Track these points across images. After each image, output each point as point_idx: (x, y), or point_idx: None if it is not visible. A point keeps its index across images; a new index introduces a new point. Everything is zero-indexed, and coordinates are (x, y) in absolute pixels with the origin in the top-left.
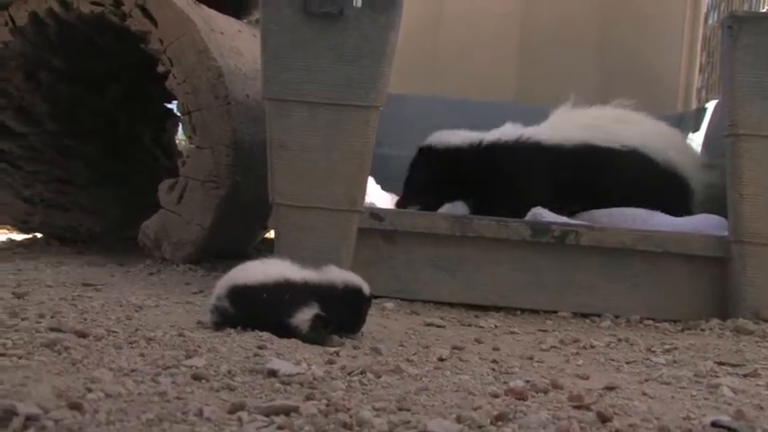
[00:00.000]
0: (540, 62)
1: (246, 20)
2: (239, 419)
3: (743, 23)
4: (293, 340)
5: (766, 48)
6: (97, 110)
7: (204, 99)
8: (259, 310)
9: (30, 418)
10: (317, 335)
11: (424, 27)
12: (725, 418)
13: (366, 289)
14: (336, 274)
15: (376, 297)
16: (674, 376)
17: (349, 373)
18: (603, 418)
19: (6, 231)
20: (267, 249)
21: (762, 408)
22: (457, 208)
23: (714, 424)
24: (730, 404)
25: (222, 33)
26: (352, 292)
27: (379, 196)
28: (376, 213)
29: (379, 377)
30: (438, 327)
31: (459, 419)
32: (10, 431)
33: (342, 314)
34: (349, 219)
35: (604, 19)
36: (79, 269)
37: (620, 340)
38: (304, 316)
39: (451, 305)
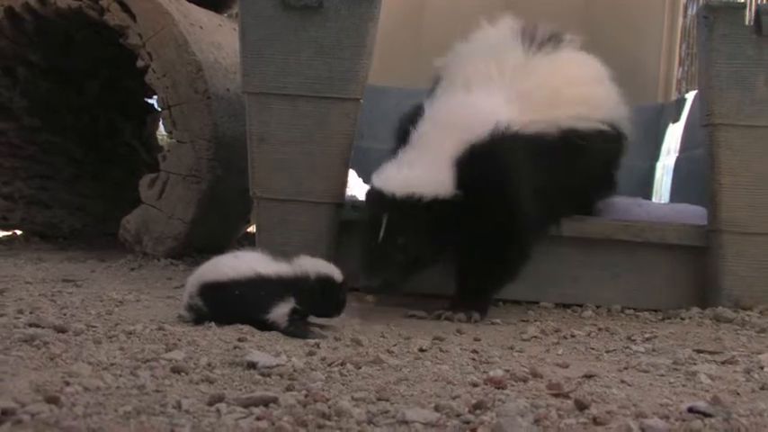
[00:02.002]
0: None
1: (226, 14)
2: (218, 411)
3: (718, 14)
4: (274, 333)
5: (742, 38)
6: (76, 105)
7: (184, 93)
8: (233, 308)
9: (5, 413)
10: (296, 329)
11: (406, 19)
12: (701, 404)
13: (338, 275)
14: (308, 264)
15: (359, 290)
16: (653, 364)
17: (329, 365)
18: (581, 406)
19: None
20: (250, 243)
21: (738, 394)
22: None
23: (691, 410)
24: (707, 390)
25: (201, 27)
26: (326, 281)
27: (360, 189)
28: (358, 206)
29: (360, 368)
30: (420, 318)
31: (437, 408)
32: None
33: (318, 303)
34: (331, 212)
35: (586, 10)
36: (59, 265)
37: (600, 330)
38: (281, 311)
39: (434, 297)
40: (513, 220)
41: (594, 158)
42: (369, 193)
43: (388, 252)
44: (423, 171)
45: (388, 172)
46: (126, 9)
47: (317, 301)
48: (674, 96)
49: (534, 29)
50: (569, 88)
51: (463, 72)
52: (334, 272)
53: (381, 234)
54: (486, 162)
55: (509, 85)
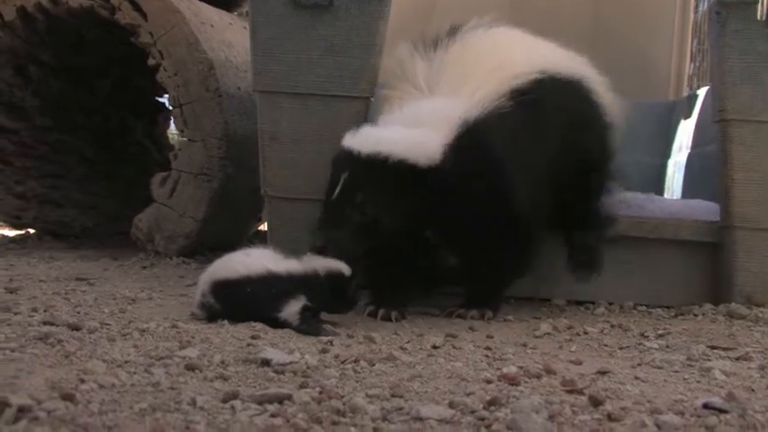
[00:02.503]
0: None
1: (237, 12)
2: (232, 408)
3: (731, 9)
4: (287, 330)
5: (754, 33)
6: (88, 104)
7: (195, 92)
8: (245, 305)
9: (22, 410)
10: (309, 326)
11: (416, 17)
12: (716, 400)
13: (347, 270)
14: (317, 261)
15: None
16: (667, 360)
17: (342, 362)
18: (596, 402)
19: None
20: (261, 241)
21: (753, 390)
22: None
23: (706, 406)
24: (722, 387)
25: (212, 26)
26: (335, 277)
27: None
28: None
29: (373, 365)
30: (432, 315)
31: (451, 405)
32: (3, 422)
33: (328, 300)
34: None
35: (595, 7)
36: (72, 264)
37: (613, 326)
38: (292, 309)
39: (445, 294)
40: (512, 206)
41: (563, 119)
42: (337, 154)
43: (344, 211)
44: (399, 133)
45: (361, 132)
46: (137, 8)
47: (327, 297)
48: (685, 93)
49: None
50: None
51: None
52: (343, 267)
53: (338, 190)
54: (481, 138)
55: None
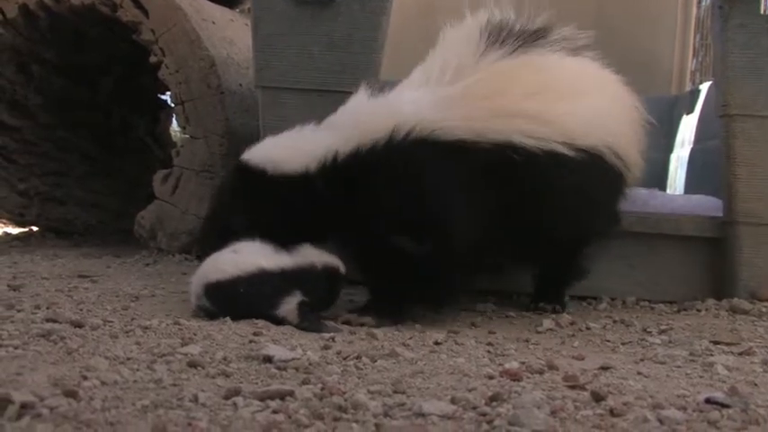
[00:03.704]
0: None
1: (238, 9)
2: (234, 404)
3: (734, 4)
4: (289, 327)
5: (757, 28)
6: (90, 102)
7: (197, 89)
8: (241, 305)
9: (25, 406)
10: (310, 323)
11: (418, 13)
12: (719, 395)
13: (342, 267)
14: (312, 255)
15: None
16: (670, 355)
17: (345, 358)
18: (598, 398)
19: (2, 225)
20: None
21: (756, 384)
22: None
23: (708, 401)
24: (724, 382)
25: (214, 23)
26: (331, 273)
27: None
28: None
29: (375, 361)
30: (435, 312)
31: (453, 401)
32: (6, 419)
33: (320, 295)
34: None
35: (598, 3)
36: (75, 261)
37: (615, 322)
38: (289, 306)
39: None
40: (396, 231)
41: (561, 192)
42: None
43: (222, 219)
44: (288, 150)
45: (259, 145)
46: (138, 5)
47: (319, 292)
48: (687, 87)
49: (511, 25)
50: (518, 96)
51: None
52: (339, 264)
53: (218, 200)
54: (367, 160)
55: (442, 87)
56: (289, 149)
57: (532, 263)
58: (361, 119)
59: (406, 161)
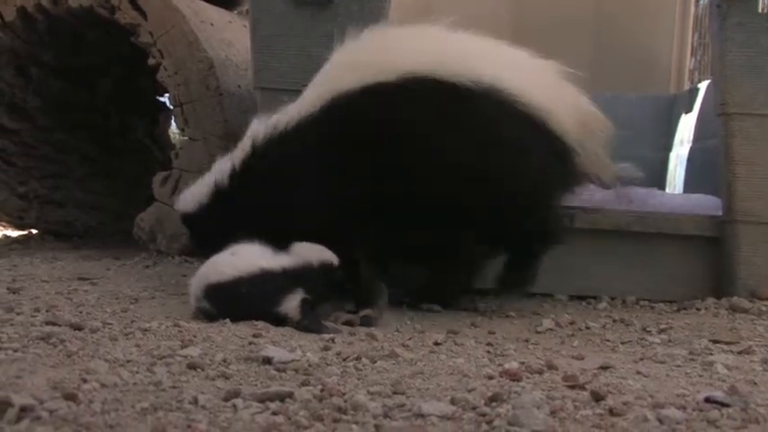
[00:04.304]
0: (534, 44)
1: (236, 11)
2: (234, 406)
3: (732, 2)
4: (289, 328)
5: (756, 26)
6: (89, 104)
7: (195, 91)
8: (242, 305)
9: (25, 409)
10: (311, 322)
11: (416, 12)
12: (718, 394)
13: (336, 260)
14: (307, 252)
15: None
16: (669, 355)
17: (344, 359)
18: (597, 397)
19: (1, 228)
20: None
21: (755, 383)
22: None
23: (708, 400)
24: (724, 380)
25: (212, 24)
26: (327, 267)
27: None
28: None
29: (375, 362)
30: (434, 312)
31: (453, 401)
32: (5, 422)
33: (320, 291)
34: None
35: (597, 1)
36: (74, 264)
37: (615, 321)
38: (291, 303)
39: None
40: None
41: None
42: None
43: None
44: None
45: None
46: (137, 7)
47: (319, 287)
48: (686, 86)
49: None
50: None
51: None
52: (333, 258)
53: None
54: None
55: None
56: None
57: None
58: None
59: None
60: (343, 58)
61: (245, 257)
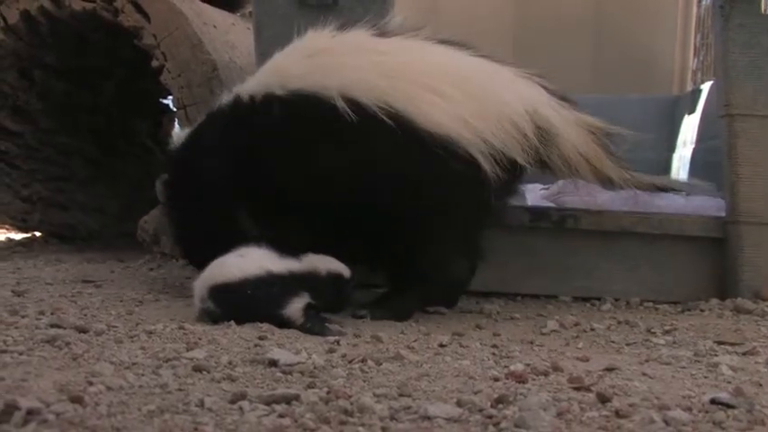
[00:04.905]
0: (535, 45)
1: (239, 13)
2: (240, 409)
3: (735, 3)
4: (294, 331)
5: (758, 27)
6: (92, 106)
7: (199, 93)
8: (247, 307)
9: (31, 412)
10: (314, 325)
11: (419, 15)
12: (724, 396)
13: (346, 272)
14: (316, 261)
15: (373, 286)
16: (674, 356)
17: (350, 361)
18: (603, 399)
19: (5, 231)
20: None
21: (760, 385)
22: None
23: (713, 401)
24: (729, 382)
25: (215, 27)
26: (336, 277)
27: None
28: None
29: (380, 364)
30: (439, 314)
31: (459, 403)
32: (12, 425)
33: (329, 300)
34: None
35: (598, 2)
36: (79, 266)
37: (620, 323)
38: (296, 306)
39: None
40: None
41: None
42: None
43: None
44: None
45: None
46: (140, 10)
47: (326, 296)
48: (689, 87)
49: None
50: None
51: None
52: (343, 269)
53: None
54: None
55: None
56: None
57: None
58: None
59: None
60: (271, 61)
61: (253, 259)
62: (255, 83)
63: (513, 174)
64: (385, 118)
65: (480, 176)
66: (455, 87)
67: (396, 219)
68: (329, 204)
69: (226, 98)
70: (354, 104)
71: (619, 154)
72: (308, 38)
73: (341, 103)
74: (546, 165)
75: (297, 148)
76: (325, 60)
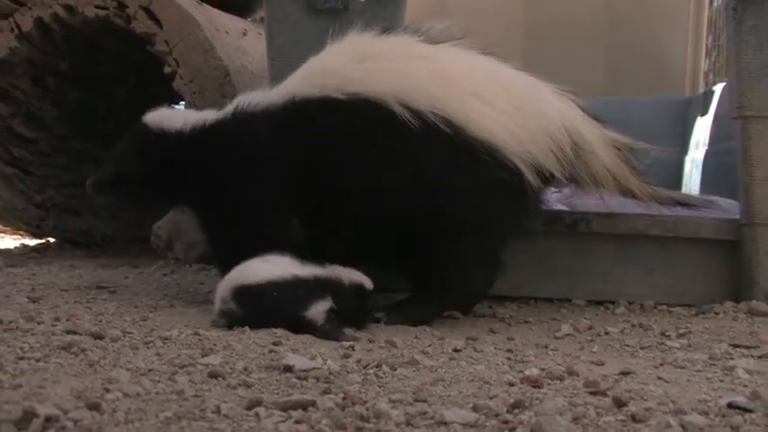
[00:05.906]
0: (546, 46)
1: (251, 19)
2: (257, 415)
3: (747, 5)
4: (308, 336)
5: None
6: (105, 113)
7: (211, 99)
8: (270, 309)
9: (49, 419)
10: (332, 328)
11: (429, 16)
12: (740, 400)
13: (368, 283)
14: (339, 271)
15: (391, 291)
16: (689, 360)
17: (365, 367)
18: (619, 403)
19: (20, 237)
20: None
21: None
22: None
23: (730, 405)
24: (746, 386)
25: (227, 33)
26: (358, 288)
27: None
28: None
29: (395, 369)
30: (453, 318)
31: (475, 408)
32: None
33: (349, 310)
34: None
35: (610, 4)
36: (93, 272)
37: (634, 326)
38: (319, 308)
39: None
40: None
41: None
42: None
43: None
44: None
45: None
46: (152, 17)
47: (348, 306)
48: (701, 88)
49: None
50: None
51: None
52: (365, 280)
53: None
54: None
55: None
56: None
57: None
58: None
59: None
60: (317, 62)
61: (278, 264)
62: (302, 84)
63: (546, 186)
64: (439, 124)
65: (523, 186)
66: (502, 98)
67: (434, 224)
68: (376, 208)
69: (254, 99)
70: (410, 110)
71: (641, 168)
72: (351, 41)
73: (398, 109)
74: (573, 178)
75: (353, 152)
76: (380, 65)
